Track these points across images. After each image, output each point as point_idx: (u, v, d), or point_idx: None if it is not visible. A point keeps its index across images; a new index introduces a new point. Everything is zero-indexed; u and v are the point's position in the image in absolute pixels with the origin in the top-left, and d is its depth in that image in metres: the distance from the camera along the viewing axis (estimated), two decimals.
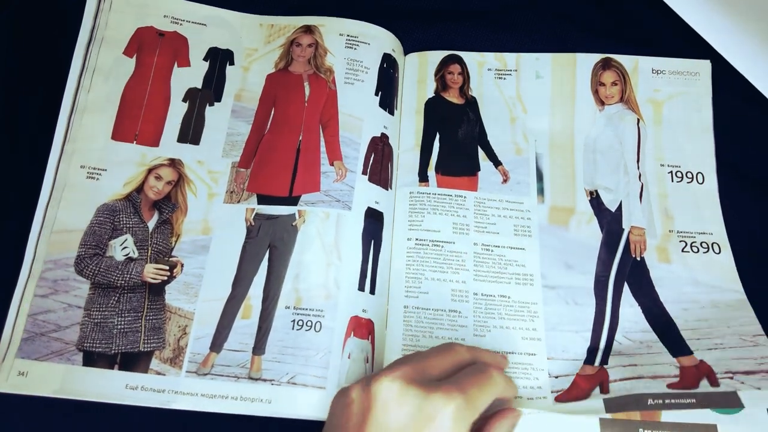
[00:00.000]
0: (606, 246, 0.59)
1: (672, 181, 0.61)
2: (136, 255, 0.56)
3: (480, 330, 0.55)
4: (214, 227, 0.58)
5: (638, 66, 0.65)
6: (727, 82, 0.65)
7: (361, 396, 0.37)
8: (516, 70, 0.66)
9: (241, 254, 0.57)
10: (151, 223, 0.57)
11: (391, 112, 0.64)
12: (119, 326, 0.54)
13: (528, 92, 0.66)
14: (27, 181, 0.58)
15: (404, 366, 0.38)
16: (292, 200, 0.59)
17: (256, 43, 0.66)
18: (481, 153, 0.63)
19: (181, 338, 0.54)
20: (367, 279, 0.56)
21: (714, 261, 0.58)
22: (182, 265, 0.56)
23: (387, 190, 0.61)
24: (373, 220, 0.58)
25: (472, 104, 0.65)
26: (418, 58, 0.67)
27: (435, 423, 0.34)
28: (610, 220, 0.60)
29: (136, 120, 0.61)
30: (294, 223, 0.57)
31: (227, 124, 0.62)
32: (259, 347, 0.53)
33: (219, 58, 0.65)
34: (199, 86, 0.63)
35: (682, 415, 0.51)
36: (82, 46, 0.62)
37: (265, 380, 0.52)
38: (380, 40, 0.65)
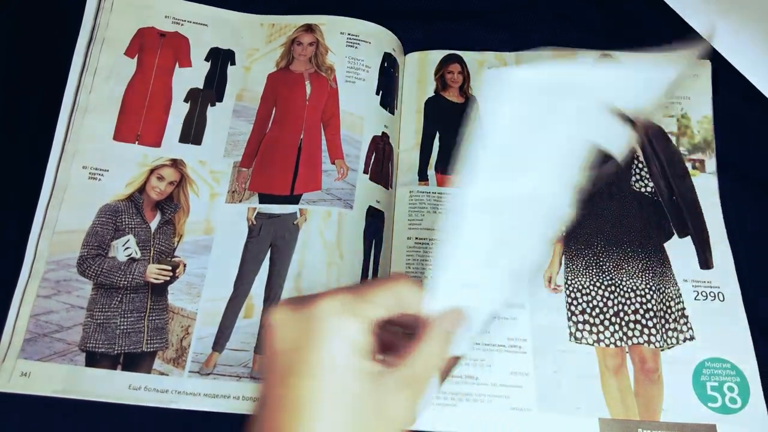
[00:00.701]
0: None
1: None
2: (138, 255, 0.56)
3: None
4: (216, 227, 0.58)
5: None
6: (727, 82, 0.65)
7: (266, 336, 0.35)
8: None
9: (242, 253, 0.57)
10: (154, 224, 0.58)
11: (392, 112, 0.64)
12: (122, 327, 0.54)
13: None
14: (27, 181, 0.58)
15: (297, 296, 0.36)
16: (294, 199, 0.59)
17: (257, 43, 0.66)
18: None
19: (184, 338, 0.54)
20: (369, 278, 0.57)
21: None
22: (185, 265, 0.56)
23: (387, 189, 0.61)
24: (375, 219, 0.59)
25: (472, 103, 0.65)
26: (418, 57, 0.67)
27: (326, 323, 0.32)
28: None
29: (137, 120, 0.61)
30: (295, 222, 0.58)
31: (229, 123, 0.62)
32: (261, 346, 0.53)
33: (220, 58, 0.65)
34: (201, 86, 0.63)
35: (682, 416, 0.51)
36: (82, 46, 0.62)
37: None
38: (381, 39, 0.66)
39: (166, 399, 0.51)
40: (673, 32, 0.68)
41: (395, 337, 0.38)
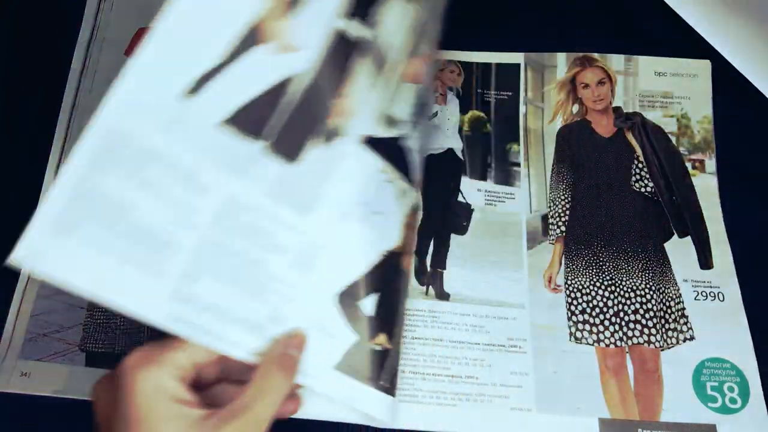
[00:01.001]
0: None
1: None
2: None
3: None
4: None
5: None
6: (727, 82, 0.65)
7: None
8: None
9: None
10: None
11: None
12: (122, 326, 0.54)
13: None
14: (27, 181, 0.58)
15: None
16: None
17: None
18: None
19: None
20: None
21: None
22: None
23: None
24: None
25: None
26: None
27: (129, 377, 0.33)
28: None
29: None
30: None
31: None
32: None
33: None
34: None
35: (682, 416, 0.51)
36: (82, 46, 0.62)
37: None
38: None
39: None
40: (672, 32, 0.68)
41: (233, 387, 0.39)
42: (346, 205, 0.44)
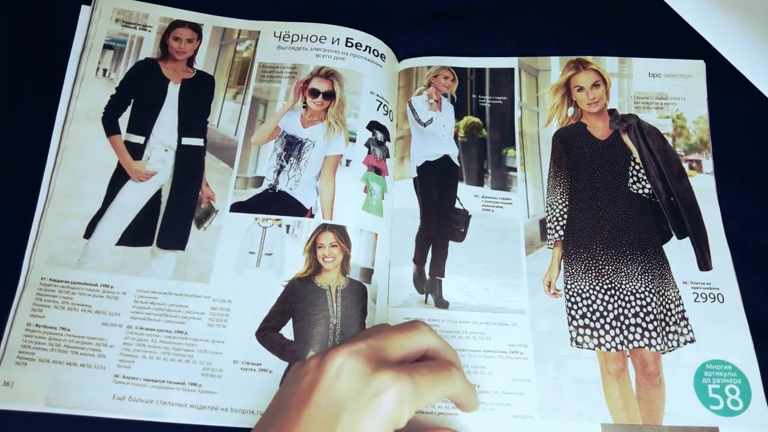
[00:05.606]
0: None
1: None
2: None
3: None
4: None
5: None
6: (723, 82, 0.65)
7: (316, 367, 0.38)
8: None
9: None
10: None
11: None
12: None
13: None
14: (24, 188, 0.57)
15: (364, 341, 0.39)
16: None
17: None
18: None
19: None
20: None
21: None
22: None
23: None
24: None
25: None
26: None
27: (379, 399, 0.35)
28: None
29: None
30: None
31: None
32: None
33: None
34: None
35: (684, 419, 0.51)
36: (75, 54, 0.61)
37: None
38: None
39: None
40: (671, 32, 0.68)
41: None
42: (237, 261, 0.55)
